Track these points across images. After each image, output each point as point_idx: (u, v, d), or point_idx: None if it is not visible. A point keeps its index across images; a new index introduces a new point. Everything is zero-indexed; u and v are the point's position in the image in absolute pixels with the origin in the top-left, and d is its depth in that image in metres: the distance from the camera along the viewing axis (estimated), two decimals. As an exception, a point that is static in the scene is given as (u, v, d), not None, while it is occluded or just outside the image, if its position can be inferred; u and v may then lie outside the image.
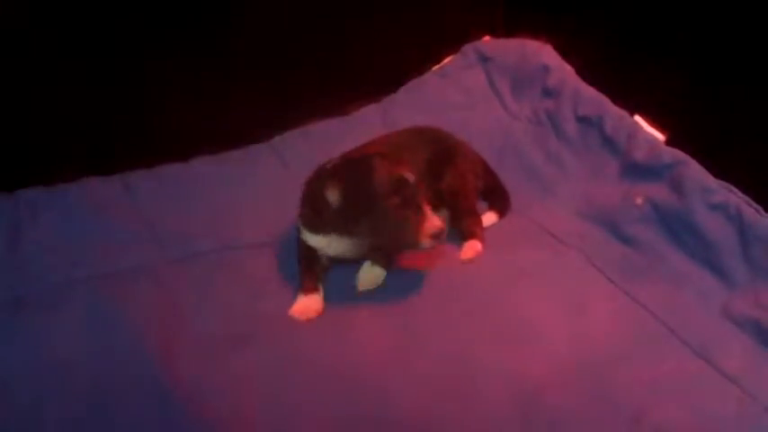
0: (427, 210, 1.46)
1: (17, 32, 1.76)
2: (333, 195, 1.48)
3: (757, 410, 1.30)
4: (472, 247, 1.68)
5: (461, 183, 1.74)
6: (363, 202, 1.46)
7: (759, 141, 1.64)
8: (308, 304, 1.53)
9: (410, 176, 1.46)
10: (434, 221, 1.45)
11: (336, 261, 1.60)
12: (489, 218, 1.77)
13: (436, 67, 2.20)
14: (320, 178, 1.52)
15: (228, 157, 1.95)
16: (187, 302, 1.54)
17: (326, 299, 1.55)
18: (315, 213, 1.54)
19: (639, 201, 1.70)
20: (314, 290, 1.56)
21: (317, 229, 1.55)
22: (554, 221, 1.76)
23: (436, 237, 1.45)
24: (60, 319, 1.46)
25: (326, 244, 1.56)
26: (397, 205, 1.44)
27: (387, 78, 2.14)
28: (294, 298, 1.55)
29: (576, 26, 2.02)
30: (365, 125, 1.97)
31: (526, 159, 1.94)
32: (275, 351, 1.43)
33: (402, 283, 1.59)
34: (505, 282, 1.58)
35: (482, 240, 1.69)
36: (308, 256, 1.59)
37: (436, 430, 1.30)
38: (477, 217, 1.74)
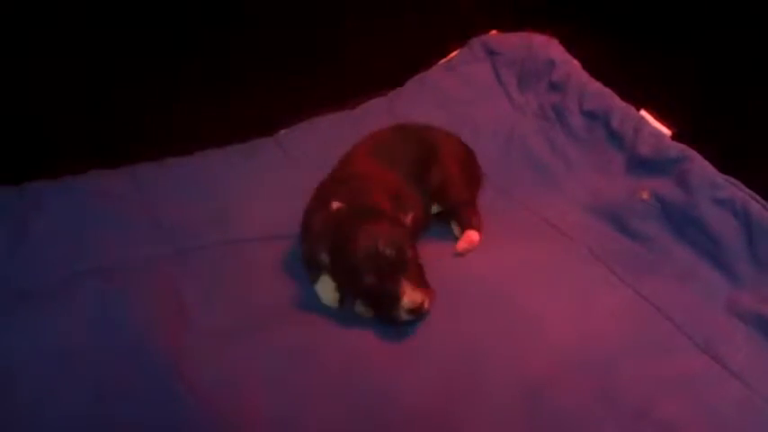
0: (406, 284, 1.40)
1: (23, 26, 1.77)
2: (323, 255, 1.47)
3: (762, 406, 1.30)
4: (467, 239, 1.65)
5: (447, 175, 1.70)
6: (346, 271, 1.44)
7: (766, 136, 1.64)
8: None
9: (392, 249, 1.40)
10: (414, 296, 1.39)
11: None
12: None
13: (443, 60, 2.20)
14: (317, 225, 1.51)
15: (234, 150, 1.95)
16: (193, 295, 1.54)
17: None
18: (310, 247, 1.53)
19: (645, 195, 1.69)
20: None
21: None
22: (559, 215, 1.75)
23: (414, 312, 1.41)
24: (65, 311, 1.46)
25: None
26: (372, 283, 1.41)
27: (393, 72, 2.14)
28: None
29: (583, 20, 2.02)
30: (371, 119, 1.97)
31: (532, 153, 1.93)
32: (281, 345, 1.43)
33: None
34: (509, 276, 1.57)
35: (479, 229, 1.66)
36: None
37: (440, 425, 1.30)
38: (471, 206, 1.71)
